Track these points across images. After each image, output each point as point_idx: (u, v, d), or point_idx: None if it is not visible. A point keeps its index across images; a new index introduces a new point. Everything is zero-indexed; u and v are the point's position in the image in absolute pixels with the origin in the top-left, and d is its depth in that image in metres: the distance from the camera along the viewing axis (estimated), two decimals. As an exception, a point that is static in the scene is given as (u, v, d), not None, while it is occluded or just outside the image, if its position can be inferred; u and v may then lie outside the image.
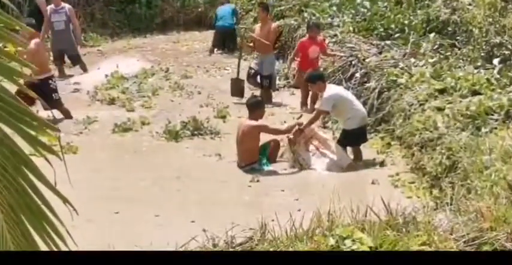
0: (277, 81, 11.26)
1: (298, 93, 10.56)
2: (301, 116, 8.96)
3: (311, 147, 8.10)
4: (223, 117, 9.81)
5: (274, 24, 11.08)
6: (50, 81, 9.40)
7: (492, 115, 7.09)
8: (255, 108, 8.12)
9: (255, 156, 7.92)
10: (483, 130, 6.79)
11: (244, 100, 9.64)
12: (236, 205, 6.76)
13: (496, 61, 8.73)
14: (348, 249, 4.05)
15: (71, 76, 12.08)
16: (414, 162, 7.44)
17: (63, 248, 1.92)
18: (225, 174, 7.73)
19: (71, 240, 1.92)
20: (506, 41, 9.04)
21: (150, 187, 7.26)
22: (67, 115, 9.59)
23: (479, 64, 8.83)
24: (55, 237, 1.88)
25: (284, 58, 12.34)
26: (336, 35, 11.14)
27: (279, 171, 7.90)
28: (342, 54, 10.34)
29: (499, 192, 4.89)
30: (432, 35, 10.15)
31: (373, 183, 7.28)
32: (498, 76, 8.20)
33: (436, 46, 9.88)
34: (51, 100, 9.00)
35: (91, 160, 8.06)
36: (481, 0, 9.79)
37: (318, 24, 10.62)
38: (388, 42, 10.37)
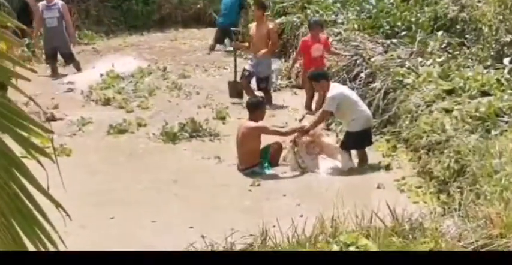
0: (279, 81, 11.16)
1: (300, 93, 10.48)
2: (303, 118, 8.83)
3: (314, 151, 8.01)
4: (223, 118, 9.70)
5: (272, 24, 10.69)
6: None
7: (502, 117, 7.07)
8: (255, 108, 8.08)
9: (256, 159, 7.85)
10: (493, 132, 6.77)
11: (244, 100, 9.63)
12: (236, 211, 6.77)
13: (506, 60, 8.68)
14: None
15: (64, 75, 12.01)
16: (421, 165, 7.39)
17: (55, 254, 1.94)
18: (224, 177, 7.69)
19: (63, 246, 1.92)
20: (517, 39, 9.05)
21: (147, 192, 7.24)
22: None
23: (488, 63, 8.79)
24: (47, 242, 1.88)
25: (286, 57, 12.23)
26: (340, 33, 11.04)
27: (281, 174, 7.85)
28: (346, 53, 10.27)
29: (510, 197, 4.89)
30: (440, 33, 10.08)
31: (378, 187, 7.26)
32: (508, 76, 8.17)
33: (444, 45, 9.82)
34: None
35: (85, 163, 8.05)
36: (491, -3, 9.78)
37: (320, 22, 10.43)
38: (394, 40, 10.31)
